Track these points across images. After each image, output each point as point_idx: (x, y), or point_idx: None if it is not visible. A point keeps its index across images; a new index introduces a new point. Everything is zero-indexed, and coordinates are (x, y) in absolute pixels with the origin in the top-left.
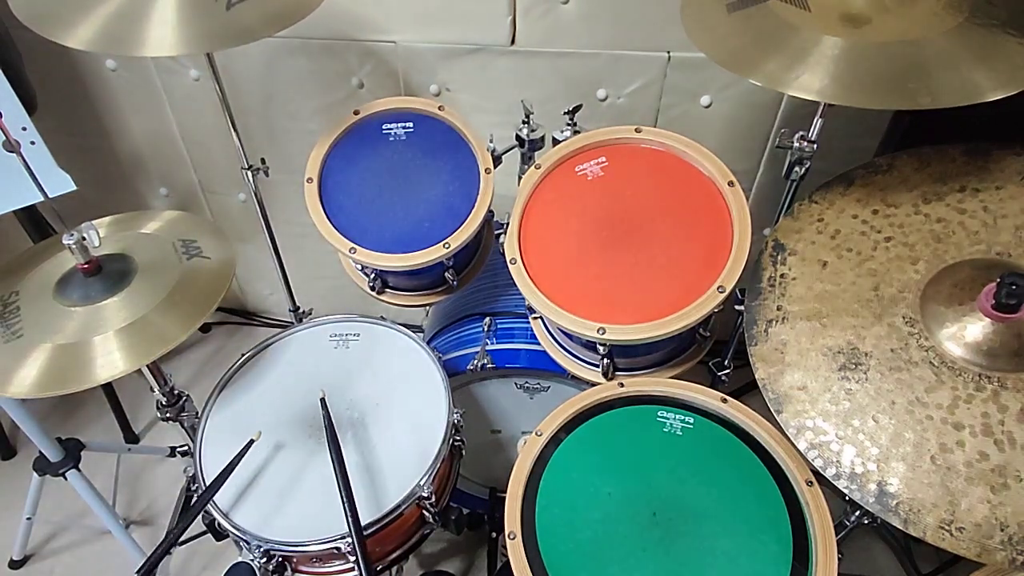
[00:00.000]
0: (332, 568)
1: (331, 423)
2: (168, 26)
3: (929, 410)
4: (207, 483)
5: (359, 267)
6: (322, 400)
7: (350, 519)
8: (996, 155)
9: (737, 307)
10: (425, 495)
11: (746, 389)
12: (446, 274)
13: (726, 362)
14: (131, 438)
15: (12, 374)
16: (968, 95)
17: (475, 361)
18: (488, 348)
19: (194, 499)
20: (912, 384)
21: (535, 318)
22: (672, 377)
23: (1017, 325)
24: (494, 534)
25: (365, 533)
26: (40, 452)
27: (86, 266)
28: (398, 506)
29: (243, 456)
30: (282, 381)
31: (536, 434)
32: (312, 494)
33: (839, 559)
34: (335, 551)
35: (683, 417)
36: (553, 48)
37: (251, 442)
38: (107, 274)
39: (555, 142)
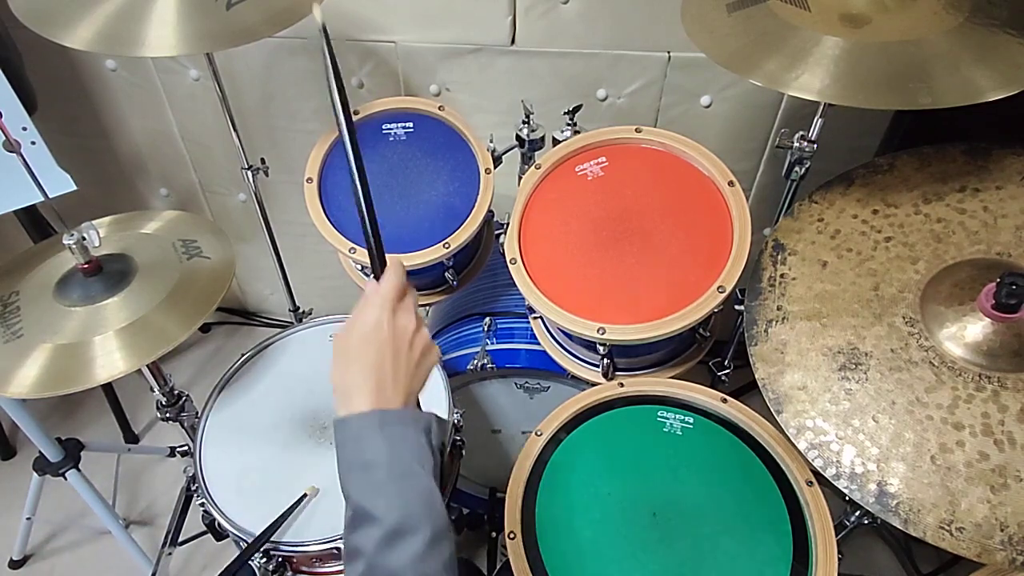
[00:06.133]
0: (332, 568)
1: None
2: (168, 26)
3: (929, 410)
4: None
5: (359, 267)
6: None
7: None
8: (996, 155)
9: (737, 307)
10: None
11: (746, 389)
12: (446, 274)
13: (726, 362)
14: (131, 438)
15: (12, 374)
16: (968, 95)
17: (475, 361)
18: (488, 348)
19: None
20: (912, 384)
21: (535, 318)
22: (672, 377)
23: (1017, 325)
24: (494, 534)
25: None
26: (40, 452)
27: (86, 266)
28: None
29: (294, 509)
30: (282, 381)
31: (536, 434)
32: None
33: (839, 559)
34: (335, 551)
35: (683, 417)
36: (553, 48)
37: (304, 496)
38: (107, 274)
39: (555, 142)
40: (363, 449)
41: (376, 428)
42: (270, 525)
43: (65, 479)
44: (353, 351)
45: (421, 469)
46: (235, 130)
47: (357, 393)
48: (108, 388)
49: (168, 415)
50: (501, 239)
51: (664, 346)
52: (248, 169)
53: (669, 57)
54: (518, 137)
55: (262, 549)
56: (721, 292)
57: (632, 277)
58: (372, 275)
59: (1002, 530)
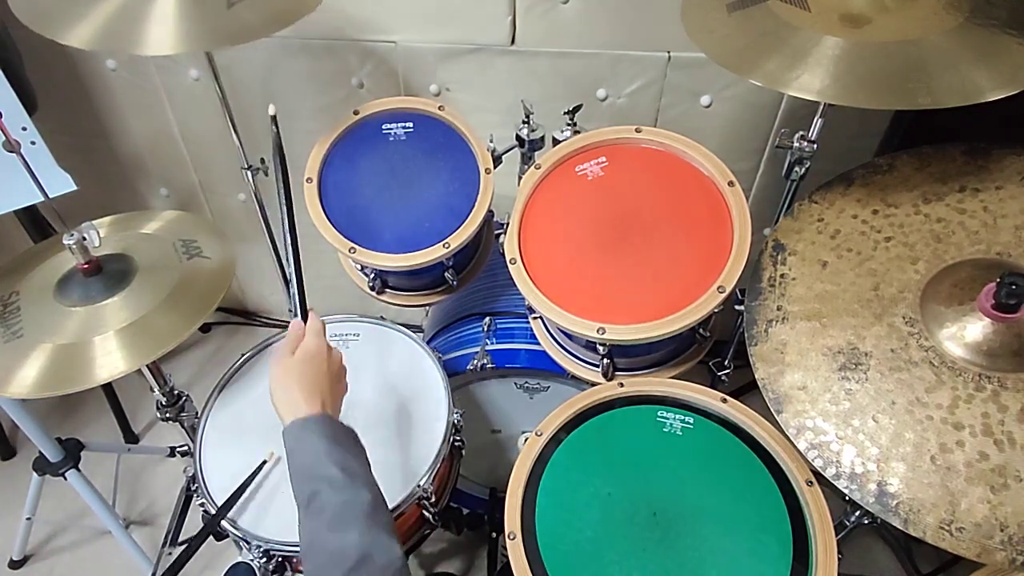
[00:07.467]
0: None
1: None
2: (168, 25)
3: (929, 410)
4: (215, 499)
5: (359, 267)
6: (272, 117)
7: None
8: (996, 155)
9: (737, 307)
10: (425, 495)
11: (746, 389)
12: (446, 274)
13: (726, 362)
14: (131, 438)
15: (12, 374)
16: (968, 95)
17: (475, 361)
18: (488, 348)
19: (200, 508)
20: (912, 384)
21: (535, 318)
22: (672, 377)
23: (1017, 325)
24: (494, 534)
25: None
26: (40, 452)
27: (86, 266)
28: (398, 506)
29: (255, 476)
30: None
31: (536, 434)
32: None
33: (839, 559)
34: None
35: (683, 417)
36: (553, 48)
37: (264, 463)
38: (107, 274)
39: (555, 142)
40: (312, 443)
41: (324, 427)
42: (231, 495)
43: (65, 479)
44: (295, 372)
45: (359, 462)
46: (235, 130)
47: (305, 405)
48: (108, 388)
49: (168, 415)
50: (501, 239)
51: (664, 346)
52: (248, 169)
53: (669, 57)
54: (518, 137)
55: (261, 549)
56: (721, 292)
57: (632, 277)
58: (299, 316)
59: (1002, 530)
